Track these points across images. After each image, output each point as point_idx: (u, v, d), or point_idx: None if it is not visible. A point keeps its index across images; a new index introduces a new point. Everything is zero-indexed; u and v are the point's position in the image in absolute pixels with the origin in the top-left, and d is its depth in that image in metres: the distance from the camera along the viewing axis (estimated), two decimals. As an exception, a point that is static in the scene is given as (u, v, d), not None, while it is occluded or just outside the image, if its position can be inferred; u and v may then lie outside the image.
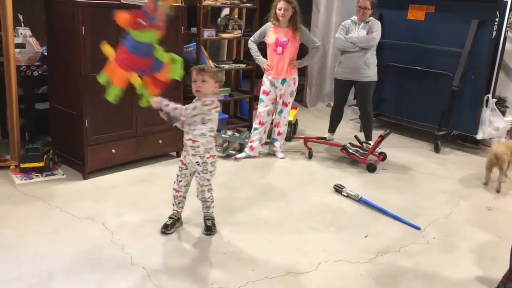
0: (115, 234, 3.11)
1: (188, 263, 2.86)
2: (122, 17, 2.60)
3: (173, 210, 3.24)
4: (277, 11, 4.45)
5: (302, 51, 4.75)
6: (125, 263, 2.80)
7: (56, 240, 3.00)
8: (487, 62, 5.14)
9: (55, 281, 2.60)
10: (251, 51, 4.76)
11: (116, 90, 2.80)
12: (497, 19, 4.99)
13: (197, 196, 3.20)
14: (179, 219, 3.26)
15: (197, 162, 3.04)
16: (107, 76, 2.82)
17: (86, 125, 3.83)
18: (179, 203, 3.21)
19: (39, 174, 3.91)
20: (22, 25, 4.23)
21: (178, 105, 2.96)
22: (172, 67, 2.84)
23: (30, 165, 3.88)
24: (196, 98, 3.01)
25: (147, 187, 3.89)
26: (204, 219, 3.27)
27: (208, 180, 3.11)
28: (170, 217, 3.23)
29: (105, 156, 4.02)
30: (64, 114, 4.02)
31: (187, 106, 2.96)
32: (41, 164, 3.90)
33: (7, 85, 3.97)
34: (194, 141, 2.98)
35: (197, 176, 3.11)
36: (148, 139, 4.30)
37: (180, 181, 3.14)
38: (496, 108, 5.24)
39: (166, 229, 3.17)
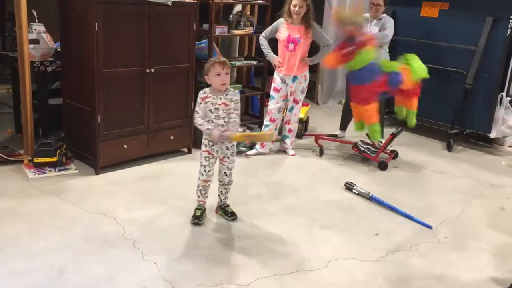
0: (127, 229, 3.13)
1: (198, 258, 2.87)
2: (330, 60, 2.53)
3: (200, 201, 3.31)
4: (292, 8, 4.43)
5: (314, 48, 4.73)
6: (136, 258, 2.82)
7: (68, 235, 3.03)
8: (501, 60, 5.08)
9: (67, 275, 2.62)
10: (261, 47, 4.75)
11: (375, 127, 2.69)
12: (511, 16, 4.94)
13: (220, 182, 3.31)
14: (205, 209, 3.34)
15: (226, 147, 3.16)
16: (359, 123, 2.73)
17: (99, 121, 3.86)
18: (205, 192, 3.29)
19: (52, 169, 3.95)
20: (36, 21, 4.27)
21: (237, 120, 3.10)
22: (412, 68, 2.67)
23: (43, 159, 3.92)
24: (213, 92, 3.04)
25: (159, 183, 3.91)
26: (225, 207, 3.38)
27: (235, 161, 3.27)
28: (198, 209, 3.30)
29: (117, 151, 4.05)
30: (77, 109, 4.06)
31: (235, 118, 3.07)
32: (54, 159, 3.94)
33: (21, 81, 4.01)
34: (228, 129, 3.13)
35: (225, 161, 3.22)
36: (159, 135, 4.32)
37: (209, 170, 3.21)
38: (510, 106, 5.17)
39: (198, 220, 3.24)
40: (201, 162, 3.22)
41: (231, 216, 3.34)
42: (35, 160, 3.93)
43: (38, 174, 3.87)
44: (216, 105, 3.05)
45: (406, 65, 2.55)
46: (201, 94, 3.10)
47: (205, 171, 3.21)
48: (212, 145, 3.14)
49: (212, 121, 3.07)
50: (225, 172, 3.27)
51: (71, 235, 3.03)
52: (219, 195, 3.39)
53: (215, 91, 3.08)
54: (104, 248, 2.91)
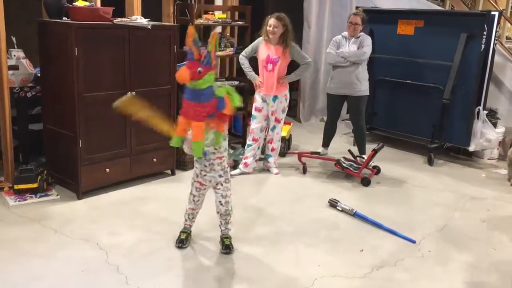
0: (110, 254, 3.09)
1: (183, 281, 2.85)
2: (182, 75, 2.65)
3: (186, 224, 3.29)
4: (268, 28, 4.50)
5: (295, 67, 4.77)
6: (120, 284, 2.78)
7: (50, 262, 2.98)
8: (477, 74, 5.20)
9: (50, 303, 2.58)
10: (242, 66, 4.78)
11: (201, 144, 2.77)
12: (485, 33, 5.06)
13: (218, 212, 3.20)
14: (191, 232, 3.31)
15: (219, 175, 3.09)
16: (179, 138, 2.83)
17: (80, 145, 3.84)
18: (192, 217, 3.27)
19: (33, 195, 3.89)
20: (16, 47, 4.26)
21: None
22: (231, 98, 2.87)
23: (24, 186, 3.87)
24: None
25: (142, 206, 3.88)
26: (222, 237, 3.25)
27: (230, 189, 3.16)
28: (183, 232, 3.27)
29: (100, 175, 4.02)
30: (58, 134, 4.03)
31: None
32: (35, 185, 3.89)
33: (1, 107, 3.98)
34: (221, 158, 3.06)
35: (219, 189, 3.12)
36: (142, 158, 4.30)
37: (198, 200, 3.18)
38: (487, 120, 5.28)
39: (182, 243, 3.20)
40: (191, 190, 3.17)
41: (225, 249, 3.18)
42: (16, 187, 3.87)
43: (19, 201, 3.82)
44: None
45: (227, 95, 2.82)
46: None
47: (193, 200, 3.18)
48: (205, 175, 3.08)
49: None
50: (220, 201, 3.15)
51: (54, 262, 2.98)
52: (219, 225, 3.28)
53: None
54: (88, 274, 2.86)
